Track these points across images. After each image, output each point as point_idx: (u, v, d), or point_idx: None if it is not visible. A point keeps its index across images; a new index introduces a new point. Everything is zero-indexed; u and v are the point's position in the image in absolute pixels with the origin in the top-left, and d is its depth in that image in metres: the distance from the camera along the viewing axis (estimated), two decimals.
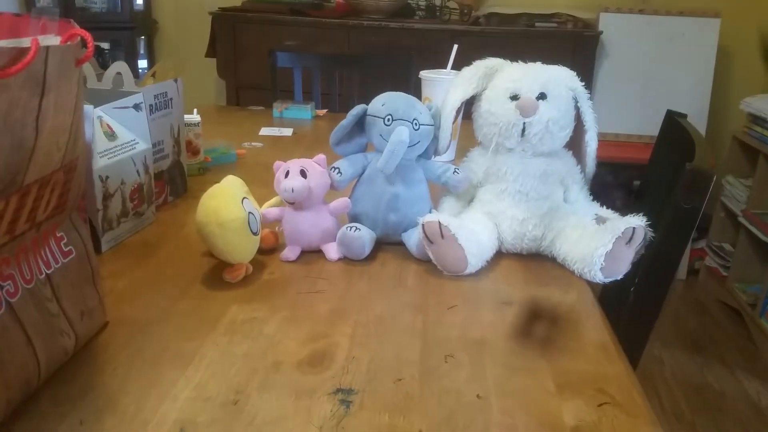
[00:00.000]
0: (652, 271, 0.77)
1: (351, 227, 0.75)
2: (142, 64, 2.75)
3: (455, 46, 1.08)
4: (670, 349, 2.00)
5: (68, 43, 0.48)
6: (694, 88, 2.35)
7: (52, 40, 0.49)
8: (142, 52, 2.80)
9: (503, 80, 0.77)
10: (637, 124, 2.35)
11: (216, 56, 2.37)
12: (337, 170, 0.77)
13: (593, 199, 0.84)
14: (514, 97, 0.75)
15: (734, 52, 2.47)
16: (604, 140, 2.36)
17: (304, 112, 1.50)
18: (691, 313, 2.24)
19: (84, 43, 0.50)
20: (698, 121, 2.32)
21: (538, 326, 0.64)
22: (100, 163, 0.74)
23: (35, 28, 0.48)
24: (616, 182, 2.40)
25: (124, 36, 2.59)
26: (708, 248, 2.40)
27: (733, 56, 2.48)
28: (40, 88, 0.44)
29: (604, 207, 0.83)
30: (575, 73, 0.81)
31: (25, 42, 0.42)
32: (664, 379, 1.84)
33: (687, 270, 2.46)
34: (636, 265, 0.73)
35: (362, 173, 0.79)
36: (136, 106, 0.82)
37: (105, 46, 2.71)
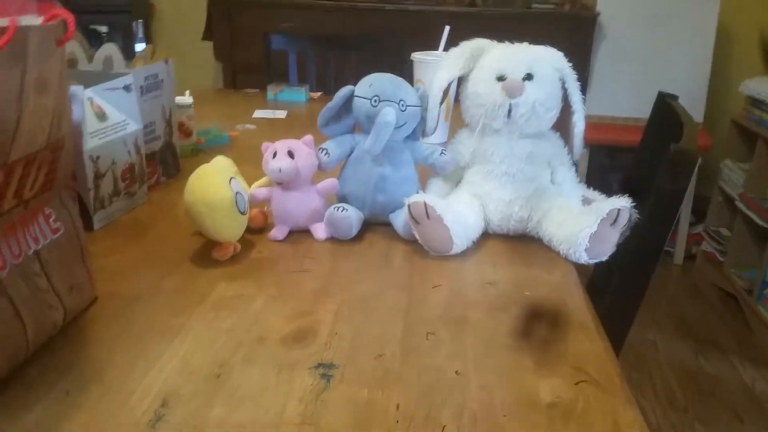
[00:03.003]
0: (636, 252, 0.78)
1: (339, 207, 0.75)
2: (140, 47, 2.74)
3: (447, 28, 1.08)
4: (665, 334, 2.01)
5: (49, 23, 0.48)
6: (692, 70, 2.34)
7: (33, 20, 0.49)
8: (140, 35, 2.79)
9: (489, 61, 0.77)
10: (635, 106, 2.34)
11: (213, 39, 2.37)
12: (324, 151, 0.77)
13: (586, 183, 0.85)
14: (501, 78, 0.75)
15: (734, 34, 2.45)
16: (601, 123, 2.36)
17: (298, 94, 1.50)
18: (687, 298, 2.25)
19: (65, 24, 0.50)
20: (696, 103, 2.31)
21: (521, 307, 0.65)
22: (90, 143, 0.75)
23: (15, 8, 0.49)
24: (612, 165, 2.40)
25: (121, 20, 2.58)
26: (705, 233, 2.41)
27: (732, 38, 2.46)
28: (21, 68, 0.45)
29: (592, 189, 0.84)
30: (566, 55, 0.81)
31: (3, 22, 0.43)
32: (658, 363, 1.86)
33: (684, 255, 2.47)
34: (621, 246, 0.73)
35: (350, 154, 0.80)
36: (126, 88, 0.83)
37: (102, 29, 2.70)
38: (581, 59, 2.22)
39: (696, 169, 0.73)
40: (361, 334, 0.58)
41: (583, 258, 0.73)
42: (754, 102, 2.14)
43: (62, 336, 0.55)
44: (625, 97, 2.37)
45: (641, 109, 2.38)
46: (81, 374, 0.50)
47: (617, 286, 0.81)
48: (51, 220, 0.55)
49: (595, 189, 0.84)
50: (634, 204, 0.72)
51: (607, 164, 2.42)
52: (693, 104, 2.22)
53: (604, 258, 0.73)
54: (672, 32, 2.33)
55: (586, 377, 0.53)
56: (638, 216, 0.73)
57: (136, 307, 0.60)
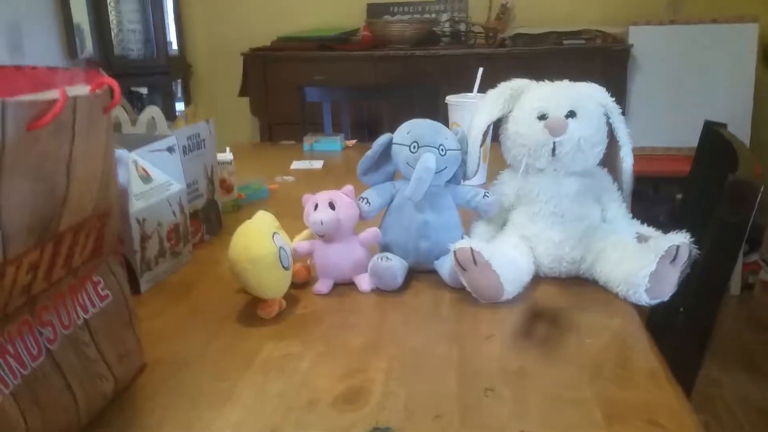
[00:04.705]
0: (700, 290, 0.73)
1: (382, 257, 0.74)
2: (179, 106, 2.85)
3: (480, 69, 1.08)
4: (729, 370, 1.89)
5: (96, 91, 0.49)
6: (734, 96, 2.28)
7: (82, 89, 0.50)
8: (179, 95, 2.90)
9: (530, 100, 0.75)
10: (676, 136, 2.29)
11: (249, 95, 2.44)
12: (365, 200, 0.77)
13: (633, 217, 0.81)
14: (542, 117, 0.74)
15: None
16: (641, 154, 2.31)
17: (333, 144, 1.51)
18: (747, 331, 2.13)
19: (111, 91, 0.51)
20: (741, 129, 2.24)
21: (584, 356, 0.61)
22: (136, 205, 0.76)
23: (65, 79, 0.50)
24: (657, 197, 2.32)
25: (160, 80, 2.69)
26: (762, 261, 2.30)
27: None
28: (70, 137, 0.45)
29: (645, 224, 0.80)
30: (605, 89, 0.79)
31: (54, 93, 0.44)
32: (724, 402, 1.75)
33: (741, 285, 2.35)
34: (683, 284, 0.69)
35: (391, 202, 0.79)
36: (170, 149, 0.84)
37: (143, 90, 2.82)
38: (616, 92, 2.17)
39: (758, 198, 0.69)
40: (416, 393, 0.55)
41: (644, 299, 0.69)
42: None
43: (112, 406, 0.54)
44: (664, 127, 2.31)
45: (682, 138, 2.32)
46: None
47: (682, 328, 0.76)
48: (99, 287, 0.55)
49: (640, 221, 0.80)
50: (692, 239, 0.68)
51: (651, 195, 2.35)
52: (738, 130, 2.15)
53: (666, 298, 0.69)
54: (710, 60, 2.28)
55: (660, 430, 0.49)
56: (698, 251, 0.69)
57: (184, 372, 0.59)
